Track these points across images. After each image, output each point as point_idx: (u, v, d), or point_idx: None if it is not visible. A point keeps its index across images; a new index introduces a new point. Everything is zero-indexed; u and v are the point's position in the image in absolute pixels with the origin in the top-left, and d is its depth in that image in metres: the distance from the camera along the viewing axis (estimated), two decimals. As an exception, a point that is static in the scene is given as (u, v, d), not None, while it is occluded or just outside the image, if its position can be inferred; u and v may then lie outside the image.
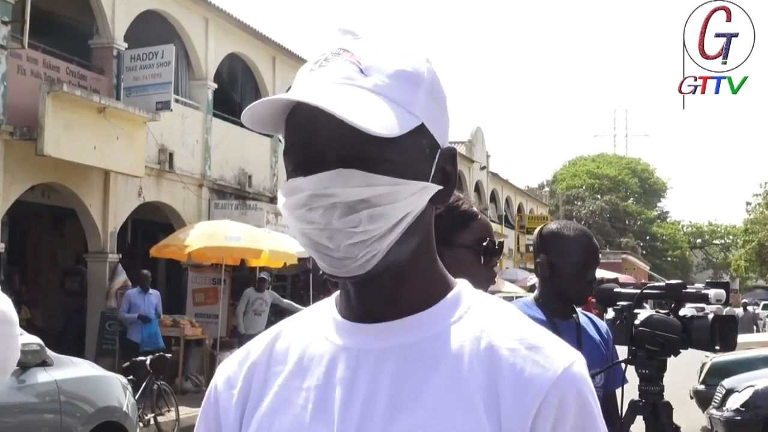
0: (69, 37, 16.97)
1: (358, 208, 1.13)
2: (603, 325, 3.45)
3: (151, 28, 17.99)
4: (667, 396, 3.34)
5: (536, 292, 3.40)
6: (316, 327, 1.27)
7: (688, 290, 3.28)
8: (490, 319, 1.20)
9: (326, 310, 1.28)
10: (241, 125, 21.08)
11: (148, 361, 11.82)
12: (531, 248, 3.79)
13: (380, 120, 1.10)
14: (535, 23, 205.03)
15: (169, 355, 13.03)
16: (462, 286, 1.26)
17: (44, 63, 15.38)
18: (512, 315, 1.22)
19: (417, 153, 1.16)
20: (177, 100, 18.21)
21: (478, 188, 40.42)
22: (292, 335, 1.29)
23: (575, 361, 1.16)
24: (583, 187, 76.76)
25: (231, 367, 1.31)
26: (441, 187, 1.18)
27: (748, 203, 62.76)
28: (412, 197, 1.14)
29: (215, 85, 20.10)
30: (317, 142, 1.14)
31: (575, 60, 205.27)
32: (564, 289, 3.25)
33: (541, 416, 1.11)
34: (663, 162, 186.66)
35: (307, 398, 1.20)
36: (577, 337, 3.16)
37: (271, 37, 22.00)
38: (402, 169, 1.14)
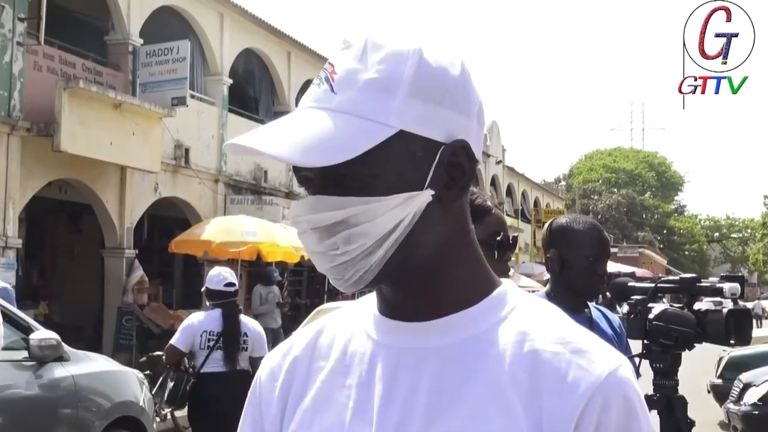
0: (85, 33, 17.04)
1: (336, 231, 1.12)
2: (615, 320, 3.44)
3: (167, 24, 18.04)
4: (685, 389, 3.33)
5: (548, 286, 3.39)
6: (359, 322, 1.25)
7: (702, 284, 3.27)
8: (534, 321, 1.17)
9: (369, 305, 1.26)
10: (257, 120, 21.09)
11: (164, 356, 11.85)
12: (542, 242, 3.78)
13: (322, 146, 1.07)
14: (552, 16, 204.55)
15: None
16: (507, 285, 1.23)
17: (60, 59, 15.46)
18: (557, 317, 1.19)
19: (402, 161, 1.11)
20: (192, 96, 18.28)
21: (494, 182, 40.36)
22: (335, 330, 1.27)
23: (621, 365, 1.13)
24: (600, 181, 76.48)
25: (275, 359, 1.31)
26: (433, 192, 1.13)
27: (766, 196, 62.58)
28: (397, 209, 1.11)
29: (230, 81, 20.15)
30: (302, 168, 1.14)
31: (591, 53, 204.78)
32: (575, 283, 3.24)
33: (583, 421, 1.09)
34: (680, 155, 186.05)
35: (349, 396, 1.18)
36: (588, 329, 3.14)
37: (286, 32, 22.06)
38: (381, 183, 1.11)
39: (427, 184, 1.13)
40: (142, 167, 16.30)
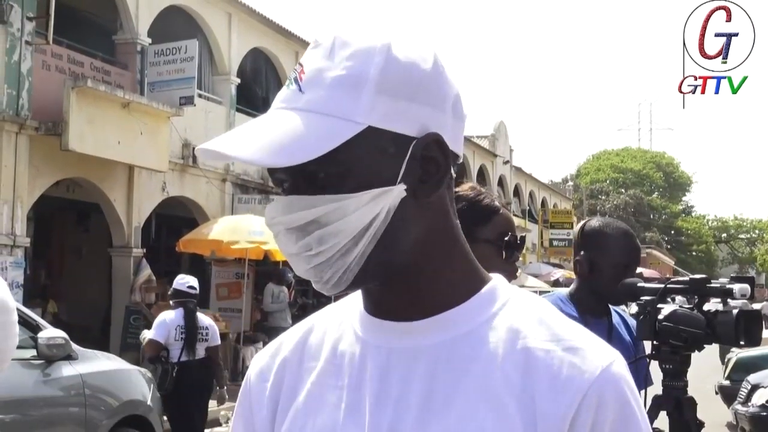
0: (93, 32, 17.06)
1: (309, 231, 1.11)
2: (635, 325, 3.41)
3: (175, 24, 18.06)
4: (692, 391, 3.31)
5: (572, 287, 3.36)
6: (347, 321, 1.24)
7: (712, 285, 3.25)
8: (526, 318, 1.16)
9: (356, 303, 1.25)
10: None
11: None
12: (572, 243, 3.73)
13: (290, 147, 1.07)
14: (560, 16, 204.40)
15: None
16: (497, 281, 1.22)
17: (68, 58, 15.48)
18: (549, 313, 1.18)
19: (373, 157, 1.11)
20: (200, 95, 18.27)
21: (501, 182, 40.31)
22: (324, 329, 1.27)
23: (614, 360, 1.12)
24: (607, 182, 76.26)
25: (264, 360, 1.31)
26: (405, 187, 1.12)
27: (774, 197, 62.26)
28: (369, 205, 1.10)
29: (238, 80, 20.15)
30: (275, 170, 1.14)
31: (599, 54, 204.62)
32: (602, 288, 3.22)
33: (579, 419, 1.08)
34: (688, 156, 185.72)
35: (340, 397, 1.18)
36: (607, 336, 3.12)
37: (293, 31, 22.04)
38: (352, 181, 1.10)
39: (399, 179, 1.12)
40: (150, 166, 16.31)
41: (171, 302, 9.07)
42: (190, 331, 8.70)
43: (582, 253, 3.29)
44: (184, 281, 9.03)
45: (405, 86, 1.12)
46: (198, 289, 9.16)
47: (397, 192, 1.12)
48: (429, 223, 1.17)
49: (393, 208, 1.12)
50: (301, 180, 1.11)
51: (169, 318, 8.74)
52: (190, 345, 8.68)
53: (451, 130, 1.16)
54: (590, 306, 3.23)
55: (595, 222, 3.38)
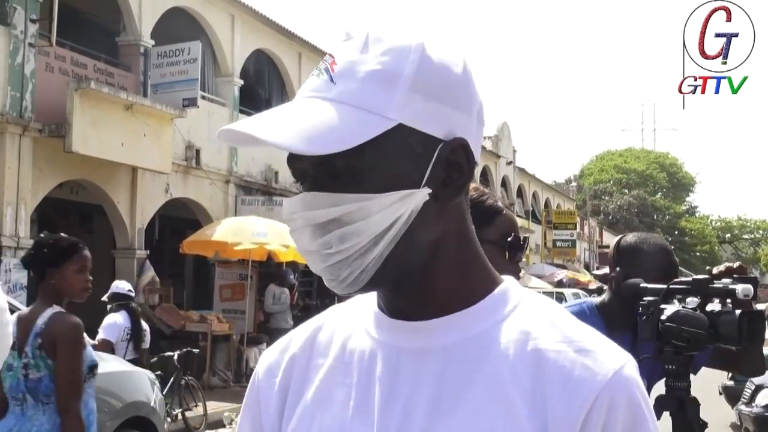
0: (96, 34, 17.08)
1: (330, 229, 1.10)
2: None
3: (178, 25, 18.08)
4: (696, 391, 3.30)
5: (603, 298, 3.34)
6: (358, 319, 1.24)
7: (714, 285, 3.24)
8: (537, 320, 1.15)
9: (368, 302, 1.25)
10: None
11: (175, 357, 11.90)
12: (607, 257, 3.67)
13: (325, 136, 1.05)
14: (563, 17, 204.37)
15: (196, 351, 13.08)
16: (509, 282, 1.22)
17: (72, 60, 15.50)
18: (560, 315, 1.17)
19: (400, 156, 1.10)
20: (203, 97, 18.31)
21: (504, 183, 40.31)
22: (334, 327, 1.26)
23: (626, 363, 1.12)
24: (611, 182, 76.25)
25: (272, 356, 1.30)
26: (430, 190, 1.11)
27: (778, 197, 62.15)
28: (393, 206, 1.09)
29: (241, 82, 20.18)
30: (297, 161, 1.13)
31: (602, 54, 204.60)
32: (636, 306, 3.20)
33: (590, 421, 1.07)
34: (691, 156, 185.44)
35: (349, 395, 1.17)
36: (630, 349, 3.10)
37: (296, 33, 22.06)
38: (377, 178, 1.09)
39: (424, 182, 1.11)
40: (153, 168, 16.34)
41: (110, 306, 10.08)
42: (137, 331, 9.83)
43: (618, 269, 3.26)
44: (122, 286, 10.26)
45: (437, 87, 1.12)
46: (134, 291, 10.63)
47: (422, 195, 1.11)
48: (447, 226, 1.16)
49: (416, 212, 1.11)
50: (325, 174, 1.10)
51: (118, 320, 9.77)
52: (137, 343, 9.82)
53: (474, 135, 1.16)
54: (618, 319, 3.21)
55: (631, 238, 3.32)
